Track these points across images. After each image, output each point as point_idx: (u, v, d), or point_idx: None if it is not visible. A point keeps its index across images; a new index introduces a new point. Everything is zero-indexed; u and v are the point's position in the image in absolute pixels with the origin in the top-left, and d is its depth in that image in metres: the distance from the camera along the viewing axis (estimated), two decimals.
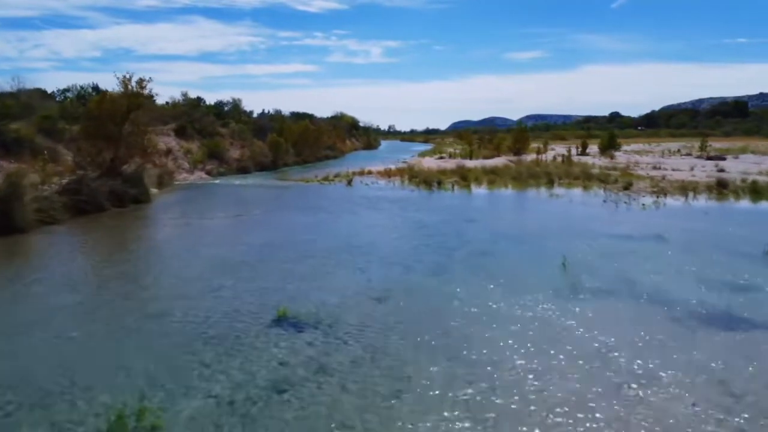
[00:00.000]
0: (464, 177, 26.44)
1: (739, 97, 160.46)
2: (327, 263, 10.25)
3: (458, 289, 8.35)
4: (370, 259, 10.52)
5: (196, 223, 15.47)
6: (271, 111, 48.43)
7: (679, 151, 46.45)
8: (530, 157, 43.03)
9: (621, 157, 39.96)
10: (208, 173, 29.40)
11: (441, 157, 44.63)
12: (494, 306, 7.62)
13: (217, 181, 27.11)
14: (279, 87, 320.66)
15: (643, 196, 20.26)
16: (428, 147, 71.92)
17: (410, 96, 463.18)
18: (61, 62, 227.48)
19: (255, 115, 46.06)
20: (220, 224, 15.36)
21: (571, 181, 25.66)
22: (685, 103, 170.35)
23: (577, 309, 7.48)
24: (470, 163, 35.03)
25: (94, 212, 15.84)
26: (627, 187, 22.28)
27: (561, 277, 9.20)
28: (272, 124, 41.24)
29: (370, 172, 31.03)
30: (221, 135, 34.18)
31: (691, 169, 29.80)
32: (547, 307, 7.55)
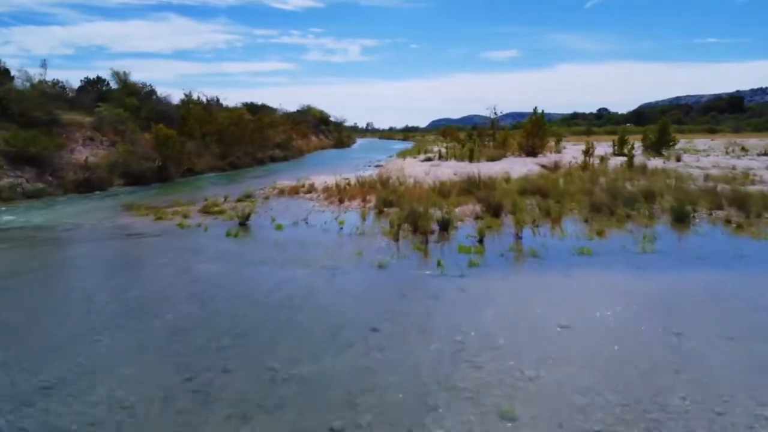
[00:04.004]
0: (490, 206, 11.75)
1: (716, 95, 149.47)
2: None
3: None
4: None
5: None
6: (207, 97, 33.07)
7: (743, 148, 32.35)
8: (550, 157, 28.65)
9: (686, 159, 25.68)
10: None
11: (428, 159, 29.78)
12: None
13: None
14: (257, 85, 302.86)
15: None
16: (409, 145, 57.05)
17: (389, 94, 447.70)
18: (31, 59, 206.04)
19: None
20: None
21: (728, 214, 11.18)
22: (663, 101, 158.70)
23: None
24: (475, 168, 20.43)
25: None
26: None
27: None
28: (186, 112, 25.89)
29: (312, 189, 16.19)
30: (63, 125, 18.89)
31: None
32: None
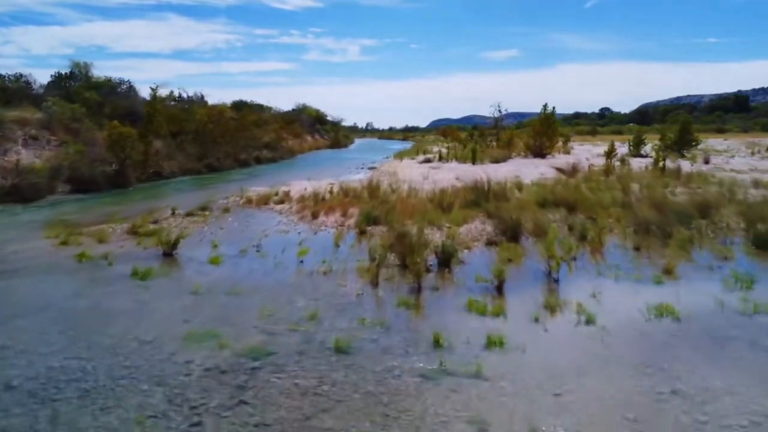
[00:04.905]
0: (505, 225, 8.76)
1: (717, 94, 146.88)
2: None
3: None
4: None
5: None
6: (187, 93, 30.05)
7: None
8: (561, 158, 25.62)
9: (714, 160, 22.59)
10: None
11: (427, 160, 26.77)
12: None
13: None
14: (256, 85, 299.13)
15: None
16: (408, 145, 53.63)
17: (389, 94, 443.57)
18: (31, 59, 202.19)
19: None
20: None
21: None
22: (663, 100, 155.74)
23: None
24: (480, 171, 17.42)
25: None
26: None
27: None
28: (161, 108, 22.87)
29: (286, 198, 13.19)
30: None
31: None
32: None
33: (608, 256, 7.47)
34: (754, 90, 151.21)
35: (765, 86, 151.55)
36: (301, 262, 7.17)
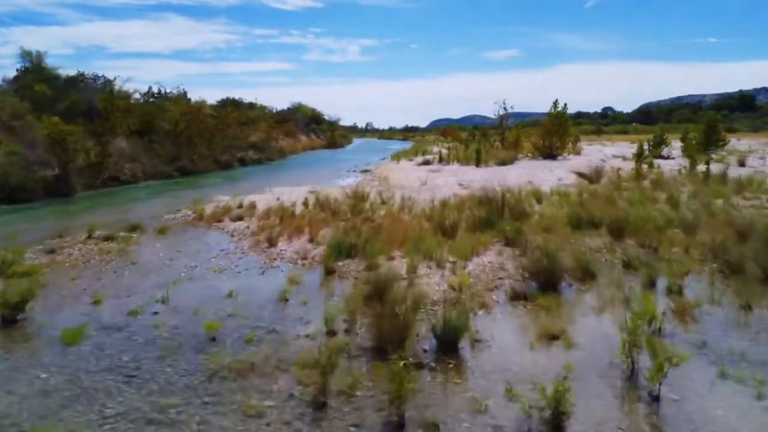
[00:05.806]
0: (537, 265, 5.90)
1: (719, 94, 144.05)
2: None
3: None
4: None
5: None
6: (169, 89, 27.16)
7: None
8: (574, 160, 22.76)
9: (750, 162, 19.62)
10: None
11: (426, 161, 23.89)
12: None
13: None
14: (257, 85, 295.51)
15: None
16: (407, 145, 50.25)
17: (388, 94, 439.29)
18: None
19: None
20: None
21: None
22: (664, 100, 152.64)
23: None
24: (487, 175, 14.51)
25: None
26: None
27: None
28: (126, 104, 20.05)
29: (249, 211, 10.35)
30: None
31: None
32: None
33: (707, 325, 4.59)
34: (755, 89, 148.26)
35: (766, 86, 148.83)
36: (213, 339, 4.29)
